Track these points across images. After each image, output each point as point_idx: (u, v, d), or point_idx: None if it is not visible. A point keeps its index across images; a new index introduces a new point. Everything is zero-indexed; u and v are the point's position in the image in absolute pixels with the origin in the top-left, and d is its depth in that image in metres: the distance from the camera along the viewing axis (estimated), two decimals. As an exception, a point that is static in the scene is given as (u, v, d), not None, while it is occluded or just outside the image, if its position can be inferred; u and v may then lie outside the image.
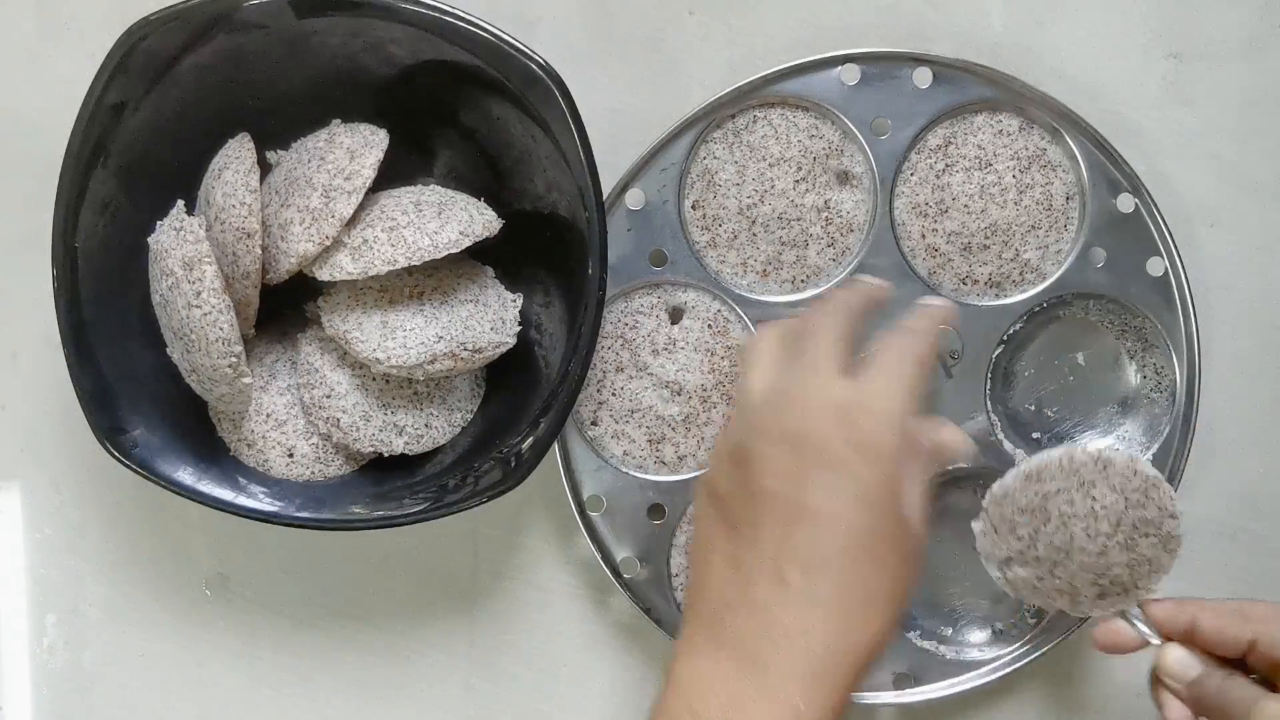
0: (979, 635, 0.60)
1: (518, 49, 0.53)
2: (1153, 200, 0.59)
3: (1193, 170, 0.61)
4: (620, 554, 0.59)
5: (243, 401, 0.56)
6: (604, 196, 0.53)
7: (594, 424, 0.59)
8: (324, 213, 0.53)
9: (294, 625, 0.62)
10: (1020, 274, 0.59)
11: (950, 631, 0.60)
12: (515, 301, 0.58)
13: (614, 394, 0.59)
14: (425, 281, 0.56)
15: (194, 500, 0.53)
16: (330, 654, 0.62)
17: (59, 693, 0.62)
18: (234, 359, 0.52)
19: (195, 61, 0.53)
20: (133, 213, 0.54)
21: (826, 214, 0.59)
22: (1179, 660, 0.48)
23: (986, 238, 0.59)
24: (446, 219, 0.54)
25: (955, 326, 0.50)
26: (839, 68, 0.58)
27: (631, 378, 0.59)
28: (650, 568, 0.59)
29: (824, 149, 0.59)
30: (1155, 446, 0.59)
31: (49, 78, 0.61)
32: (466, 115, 0.57)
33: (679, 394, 0.59)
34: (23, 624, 0.61)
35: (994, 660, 0.60)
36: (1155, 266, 0.59)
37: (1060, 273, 0.59)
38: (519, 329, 0.57)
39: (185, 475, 0.54)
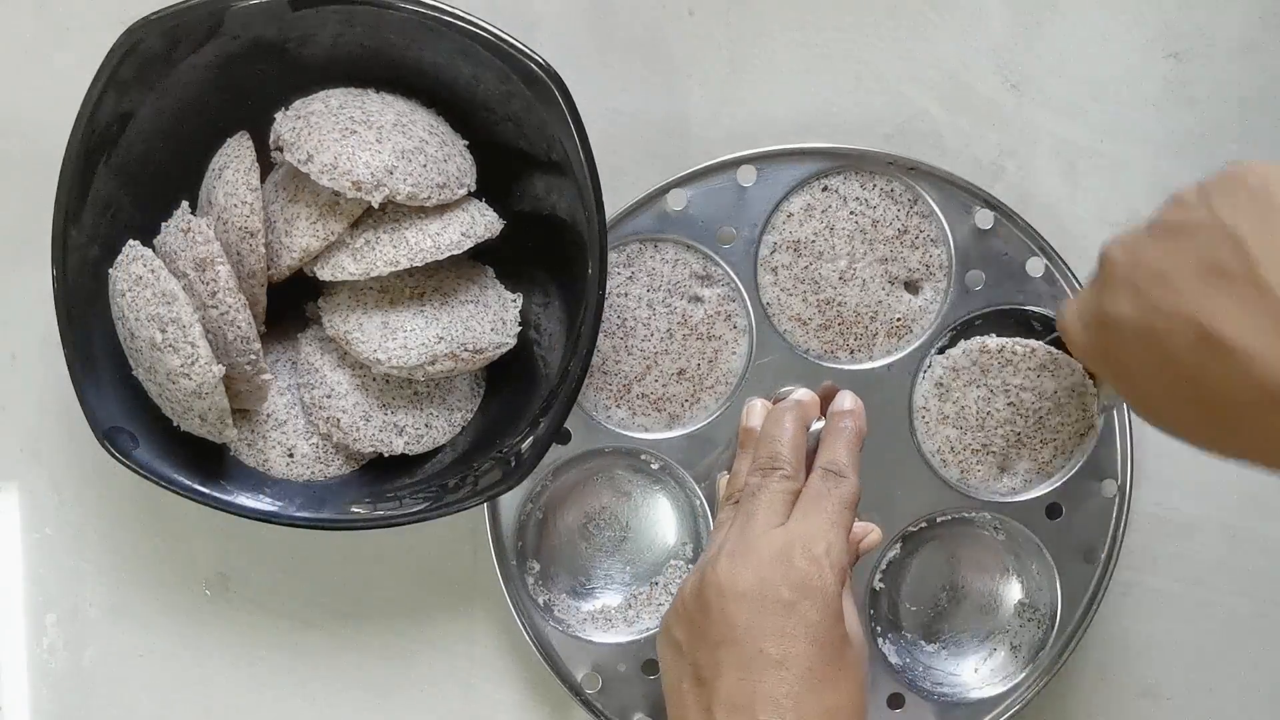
0: (991, 661, 0.61)
1: (518, 49, 0.53)
2: (1005, 206, 0.58)
3: (1193, 170, 0.61)
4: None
5: (258, 399, 0.56)
6: (603, 197, 0.53)
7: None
8: (332, 209, 0.53)
9: (294, 625, 0.62)
10: (912, 319, 0.59)
11: (960, 670, 0.61)
12: (515, 302, 0.58)
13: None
14: (426, 282, 0.56)
15: (194, 500, 0.53)
16: (330, 654, 0.62)
17: (59, 693, 0.62)
18: (253, 356, 0.53)
19: (195, 61, 0.53)
20: (133, 213, 0.54)
21: (697, 333, 0.59)
22: None
23: (862, 298, 0.59)
24: (448, 220, 0.54)
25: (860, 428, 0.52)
26: (667, 194, 0.58)
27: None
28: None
29: (685, 274, 0.59)
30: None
31: (49, 78, 0.61)
32: (466, 116, 0.57)
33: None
34: (22, 624, 0.61)
35: (1020, 685, 0.60)
36: (1035, 267, 0.59)
37: (947, 305, 0.59)
38: (519, 329, 0.57)
39: (185, 475, 0.54)
